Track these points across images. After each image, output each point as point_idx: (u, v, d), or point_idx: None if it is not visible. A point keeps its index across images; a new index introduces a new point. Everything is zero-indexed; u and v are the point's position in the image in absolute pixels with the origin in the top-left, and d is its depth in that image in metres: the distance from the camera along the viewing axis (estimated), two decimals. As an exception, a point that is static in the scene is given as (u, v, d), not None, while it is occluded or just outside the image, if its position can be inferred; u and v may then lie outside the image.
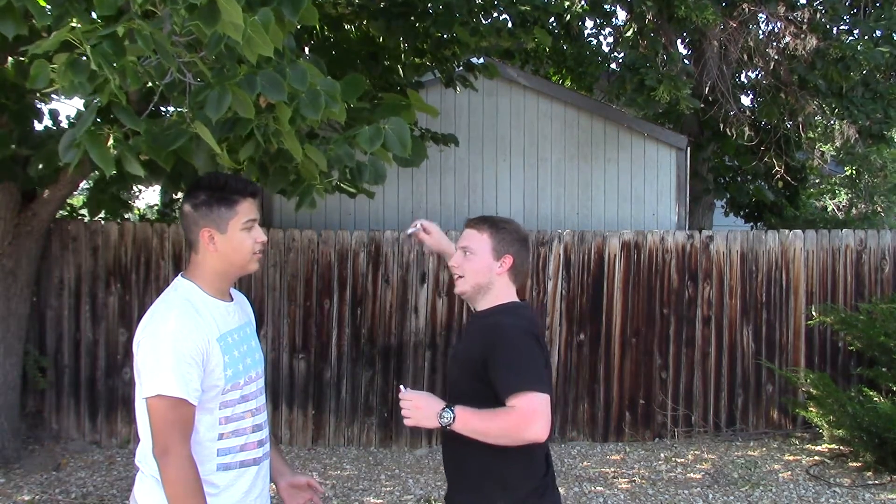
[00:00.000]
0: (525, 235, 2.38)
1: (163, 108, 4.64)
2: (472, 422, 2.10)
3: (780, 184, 9.81)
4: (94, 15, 2.52)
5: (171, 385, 1.97)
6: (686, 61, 8.81)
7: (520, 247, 2.33)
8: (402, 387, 2.20)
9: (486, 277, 2.29)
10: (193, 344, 2.02)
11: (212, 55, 2.39)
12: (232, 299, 2.25)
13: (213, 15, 2.19)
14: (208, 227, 2.11)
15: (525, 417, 2.05)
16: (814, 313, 6.52)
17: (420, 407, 2.14)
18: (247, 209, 2.13)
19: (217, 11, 2.17)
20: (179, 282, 2.16)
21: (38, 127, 5.29)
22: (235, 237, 2.12)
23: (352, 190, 4.60)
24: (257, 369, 2.24)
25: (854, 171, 11.73)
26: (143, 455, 2.10)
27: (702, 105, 8.04)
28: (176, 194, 8.13)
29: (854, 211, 13.26)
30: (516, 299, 2.34)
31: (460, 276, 2.32)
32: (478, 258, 2.30)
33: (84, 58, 2.30)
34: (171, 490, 1.98)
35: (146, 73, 2.53)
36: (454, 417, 2.09)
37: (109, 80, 2.29)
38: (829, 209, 14.08)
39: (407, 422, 2.15)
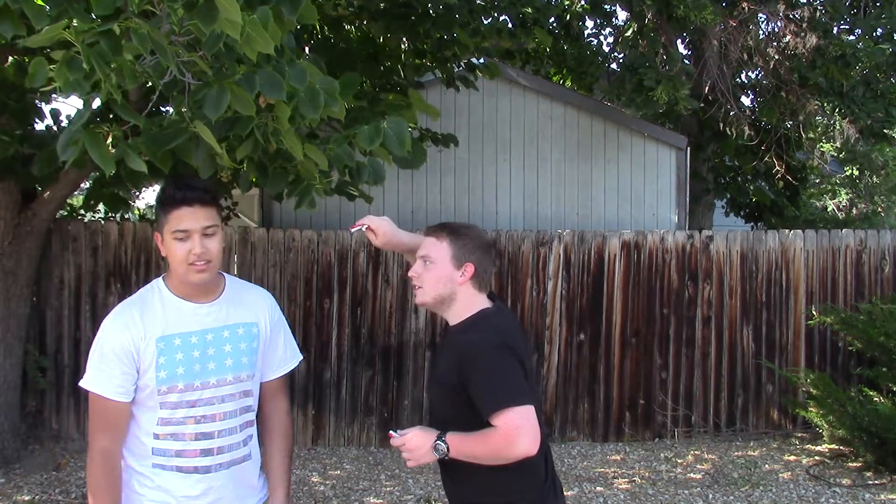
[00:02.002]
0: (487, 242, 2.28)
1: (163, 109, 4.64)
2: (462, 448, 2.09)
3: (781, 184, 9.81)
4: (93, 15, 2.52)
5: (88, 379, 2.10)
6: (686, 61, 8.81)
7: (482, 254, 2.23)
8: (392, 432, 2.19)
9: (446, 288, 2.21)
10: (119, 341, 2.07)
11: (210, 53, 2.39)
12: (215, 299, 2.19)
13: (210, 13, 2.19)
14: (156, 231, 2.15)
15: (507, 436, 2.02)
16: (814, 313, 6.51)
17: (412, 448, 2.13)
18: (177, 218, 2.07)
19: (215, 9, 2.17)
20: (155, 280, 2.21)
21: (40, 126, 5.29)
22: (168, 244, 2.10)
23: (354, 192, 4.61)
24: (224, 376, 2.16)
25: (855, 170, 11.74)
26: None
27: (701, 105, 8.04)
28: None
29: (854, 211, 13.26)
30: (485, 306, 2.26)
31: (419, 287, 2.24)
32: (437, 267, 2.21)
33: (80, 56, 2.30)
34: (87, 478, 2.11)
35: (144, 72, 2.53)
36: (447, 448, 2.10)
37: (103, 78, 2.29)
38: (829, 209, 14.07)
39: (409, 464, 2.16)
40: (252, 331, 2.22)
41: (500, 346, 2.12)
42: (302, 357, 2.41)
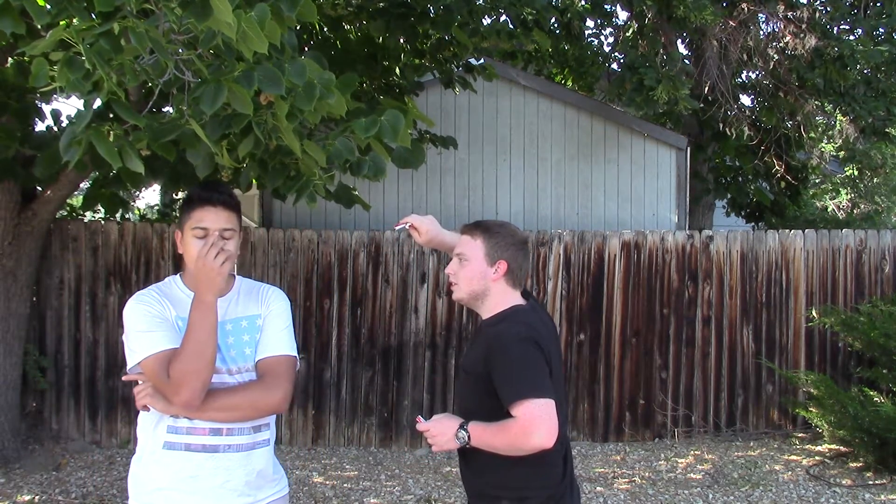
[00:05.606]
0: (521, 238, 2.34)
1: (164, 109, 4.65)
2: (483, 437, 2.14)
3: (782, 184, 9.80)
4: (93, 14, 2.53)
5: (137, 354, 2.17)
6: (686, 61, 8.81)
7: (515, 251, 2.29)
8: (420, 417, 2.26)
9: (480, 284, 2.27)
10: (153, 307, 2.18)
11: (205, 50, 2.40)
12: (224, 296, 2.23)
13: (204, 11, 2.21)
14: (177, 229, 2.22)
15: (524, 427, 2.05)
16: (814, 314, 6.51)
17: (436, 434, 2.20)
18: (199, 216, 2.15)
19: (209, 7, 2.18)
20: (170, 277, 2.30)
21: (40, 127, 5.30)
22: (187, 241, 2.17)
23: (355, 198, 4.61)
24: (229, 366, 2.19)
25: (855, 170, 11.72)
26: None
27: (701, 105, 8.03)
28: (176, 194, 8.13)
29: (856, 211, 13.25)
30: (519, 302, 2.30)
31: (455, 284, 2.31)
32: (471, 265, 2.27)
33: (80, 56, 2.31)
34: (174, 372, 2.10)
35: (143, 70, 2.53)
36: (468, 436, 2.15)
37: (104, 77, 2.30)
38: (829, 209, 14.06)
39: (434, 448, 2.22)
40: (256, 323, 2.27)
41: (526, 339, 2.15)
42: (292, 355, 2.30)
